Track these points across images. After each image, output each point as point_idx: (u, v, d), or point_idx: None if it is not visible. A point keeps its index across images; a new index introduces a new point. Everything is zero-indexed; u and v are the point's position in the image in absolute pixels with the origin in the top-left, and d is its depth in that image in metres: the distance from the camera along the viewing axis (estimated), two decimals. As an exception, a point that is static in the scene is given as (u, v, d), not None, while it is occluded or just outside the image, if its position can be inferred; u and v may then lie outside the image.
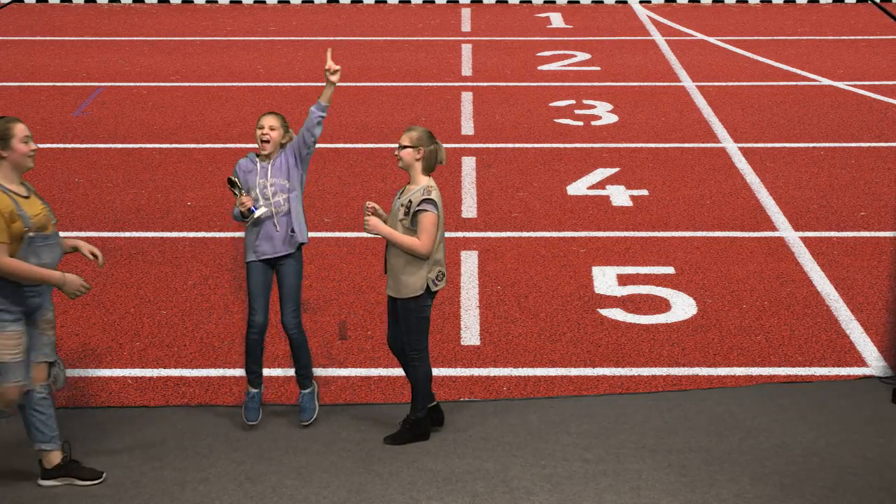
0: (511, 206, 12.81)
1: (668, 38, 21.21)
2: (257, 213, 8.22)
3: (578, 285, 10.86)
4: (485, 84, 17.87)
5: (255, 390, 8.48)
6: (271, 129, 8.23)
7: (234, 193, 8.24)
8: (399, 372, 9.31)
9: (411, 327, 8.15)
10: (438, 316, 10.29)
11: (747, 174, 13.82)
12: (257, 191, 8.25)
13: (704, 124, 15.81)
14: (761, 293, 10.71)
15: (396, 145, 8.01)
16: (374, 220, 7.99)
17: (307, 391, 8.56)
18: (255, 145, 14.86)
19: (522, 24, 22.51)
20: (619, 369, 9.36)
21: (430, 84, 17.87)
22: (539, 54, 19.99)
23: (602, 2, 24.79)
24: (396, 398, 8.92)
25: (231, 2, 24.74)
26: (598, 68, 18.97)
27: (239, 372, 9.32)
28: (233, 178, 8.23)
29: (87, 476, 7.80)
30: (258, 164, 8.30)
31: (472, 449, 8.25)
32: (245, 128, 15.57)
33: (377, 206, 8.12)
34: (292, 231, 8.28)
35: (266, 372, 9.27)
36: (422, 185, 8.04)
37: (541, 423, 8.53)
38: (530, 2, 24.86)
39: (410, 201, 7.98)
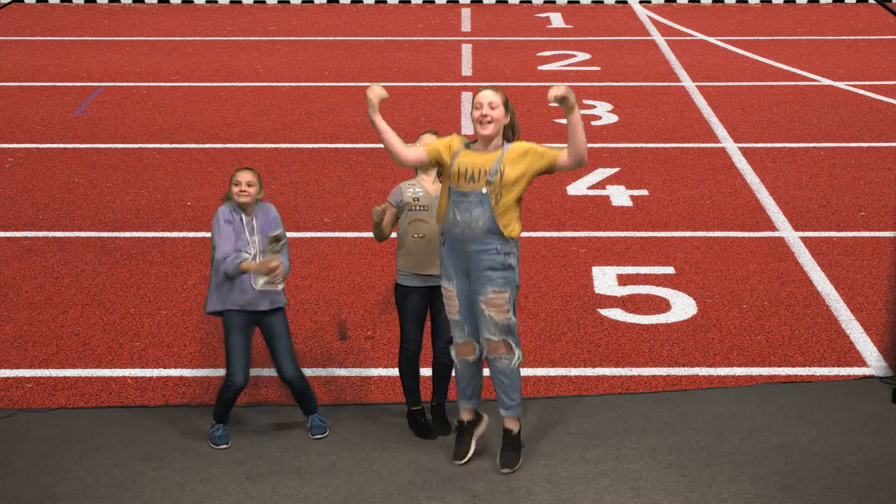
0: (511, 206, 12.79)
1: (668, 38, 21.22)
2: (261, 282, 7.96)
3: (578, 285, 10.86)
4: (485, 84, 17.86)
5: (220, 424, 8.25)
6: (248, 185, 7.97)
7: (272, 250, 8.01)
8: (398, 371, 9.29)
9: None
10: (438, 316, 10.28)
11: (747, 174, 13.82)
12: (240, 244, 7.97)
13: (704, 124, 15.81)
14: (761, 293, 10.71)
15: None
16: None
17: (315, 415, 8.48)
18: (254, 146, 14.86)
19: (522, 24, 22.51)
20: (619, 369, 9.36)
21: (430, 84, 17.87)
22: (539, 54, 19.99)
23: (602, 2, 24.79)
24: (396, 398, 8.91)
25: (231, 2, 24.74)
26: (598, 68, 18.97)
27: (239, 372, 9.31)
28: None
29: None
30: (242, 218, 8.03)
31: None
32: (245, 128, 15.57)
33: None
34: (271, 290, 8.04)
35: (265, 372, 9.27)
36: None
37: (541, 423, 8.53)
38: (530, 2, 24.86)
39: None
